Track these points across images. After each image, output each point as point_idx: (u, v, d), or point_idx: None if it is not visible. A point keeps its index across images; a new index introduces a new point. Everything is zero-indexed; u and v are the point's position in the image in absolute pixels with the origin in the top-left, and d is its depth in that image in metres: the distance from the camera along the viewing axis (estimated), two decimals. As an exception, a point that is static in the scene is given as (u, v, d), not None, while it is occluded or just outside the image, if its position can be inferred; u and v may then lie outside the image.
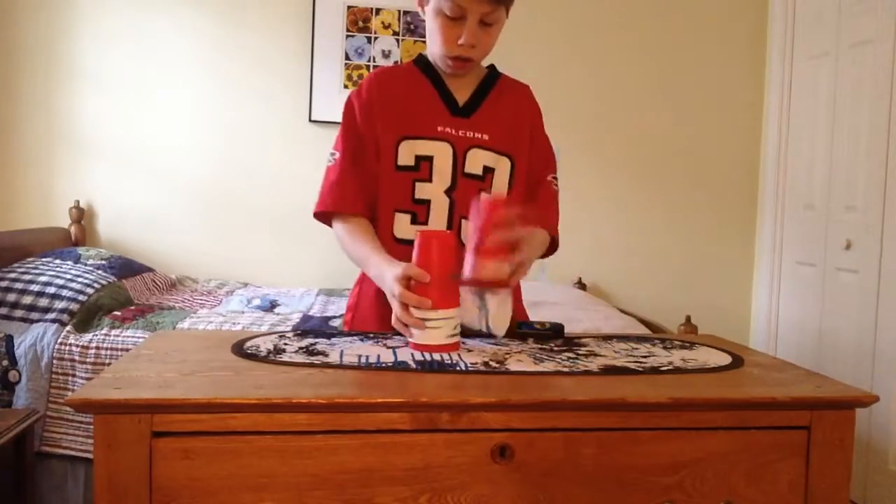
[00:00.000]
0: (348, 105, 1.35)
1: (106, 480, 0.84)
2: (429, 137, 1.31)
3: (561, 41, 3.33)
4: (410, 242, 1.27)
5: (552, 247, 1.39)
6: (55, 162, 3.13)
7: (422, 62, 1.38)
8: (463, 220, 1.30)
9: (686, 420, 0.93)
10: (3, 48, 3.09)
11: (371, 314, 1.34)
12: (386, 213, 1.32)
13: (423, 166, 1.30)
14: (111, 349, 2.18)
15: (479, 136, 1.32)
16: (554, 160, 1.43)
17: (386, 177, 1.31)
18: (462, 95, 1.35)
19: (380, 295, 1.25)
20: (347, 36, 3.19)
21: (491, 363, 1.05)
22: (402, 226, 1.31)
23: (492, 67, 1.41)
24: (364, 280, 1.38)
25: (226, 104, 3.20)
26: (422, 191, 1.30)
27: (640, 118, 3.38)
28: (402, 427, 0.88)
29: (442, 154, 1.30)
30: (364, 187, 1.32)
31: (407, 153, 1.31)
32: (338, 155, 1.33)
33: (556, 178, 1.42)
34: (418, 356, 1.07)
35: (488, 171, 1.33)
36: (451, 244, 1.11)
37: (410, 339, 1.11)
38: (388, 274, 1.14)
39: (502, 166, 1.34)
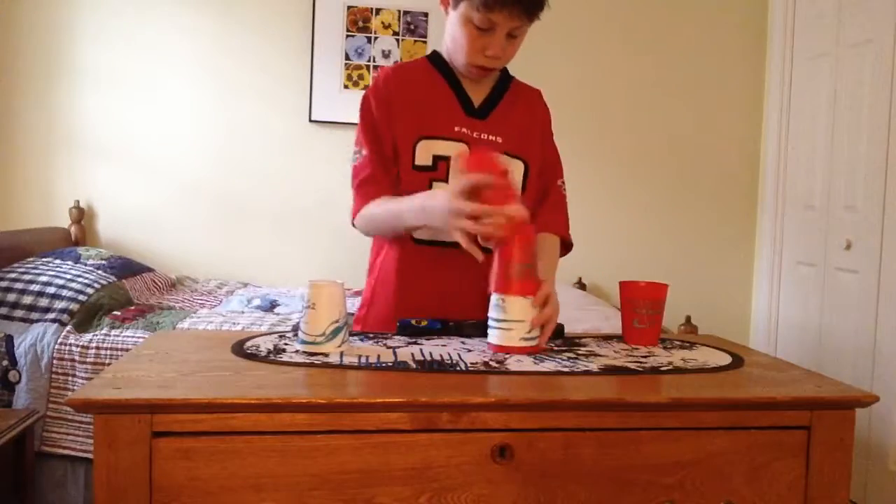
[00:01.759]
0: (365, 101, 1.33)
1: (106, 480, 0.84)
2: (446, 138, 1.30)
3: (560, 41, 3.33)
4: (429, 243, 1.29)
5: (565, 249, 1.40)
6: (55, 162, 3.13)
7: (437, 60, 1.36)
8: None
9: (686, 420, 0.93)
10: (3, 48, 3.09)
11: (387, 310, 1.33)
12: None
13: (441, 166, 1.29)
14: (111, 349, 2.18)
15: (493, 138, 1.32)
16: (561, 165, 1.45)
17: (403, 176, 1.31)
18: (477, 96, 1.35)
19: (395, 289, 1.29)
20: (347, 36, 3.19)
21: (491, 363, 1.05)
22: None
23: (504, 70, 1.41)
24: (378, 275, 1.37)
25: (226, 104, 3.20)
26: (438, 188, 1.30)
27: (640, 118, 3.37)
28: (402, 427, 0.88)
29: None
30: (390, 181, 1.31)
31: (424, 153, 1.30)
32: (364, 151, 1.32)
33: (563, 183, 1.44)
34: (418, 356, 1.07)
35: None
36: (531, 239, 1.12)
37: (489, 342, 1.12)
38: (440, 195, 1.13)
39: (515, 170, 1.33)
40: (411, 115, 1.31)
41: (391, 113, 1.31)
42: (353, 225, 1.35)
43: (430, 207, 1.16)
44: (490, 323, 1.12)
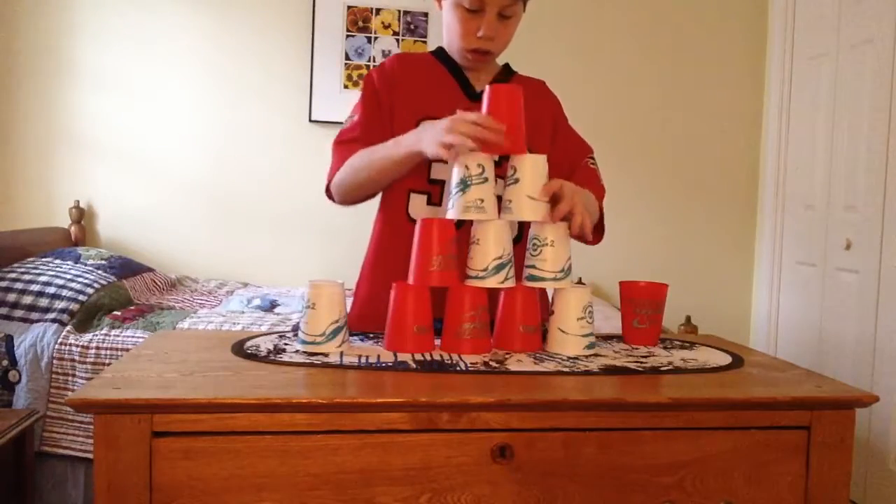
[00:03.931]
0: (368, 77, 1.35)
1: (106, 480, 0.84)
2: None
3: (560, 42, 3.33)
4: None
5: (600, 226, 1.37)
6: (55, 162, 3.13)
7: (440, 53, 1.38)
8: None
9: (686, 420, 0.93)
10: (3, 48, 3.09)
11: (371, 317, 1.32)
12: (400, 193, 1.31)
13: None
14: (111, 349, 2.18)
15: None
16: (588, 145, 1.43)
17: None
18: (480, 84, 1.35)
19: (377, 299, 1.23)
20: (347, 36, 3.19)
21: (491, 363, 1.05)
22: (418, 206, 1.30)
23: (506, 65, 1.42)
24: (361, 287, 1.36)
25: (226, 104, 3.20)
26: (437, 171, 1.30)
27: (640, 118, 3.37)
28: (402, 427, 0.88)
29: None
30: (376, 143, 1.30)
31: None
32: (357, 117, 1.33)
33: (594, 160, 1.42)
34: (418, 356, 1.07)
35: (504, 158, 1.33)
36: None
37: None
38: (438, 123, 1.12)
39: None
40: (414, 99, 1.32)
41: (393, 93, 1.32)
42: (328, 191, 1.33)
43: (429, 124, 1.15)
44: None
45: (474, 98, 1.33)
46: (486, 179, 1.12)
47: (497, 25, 1.27)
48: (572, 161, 1.39)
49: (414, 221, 1.25)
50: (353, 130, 1.32)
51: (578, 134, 1.44)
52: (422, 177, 1.30)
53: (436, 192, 1.30)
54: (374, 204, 1.40)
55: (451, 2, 1.27)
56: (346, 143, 1.31)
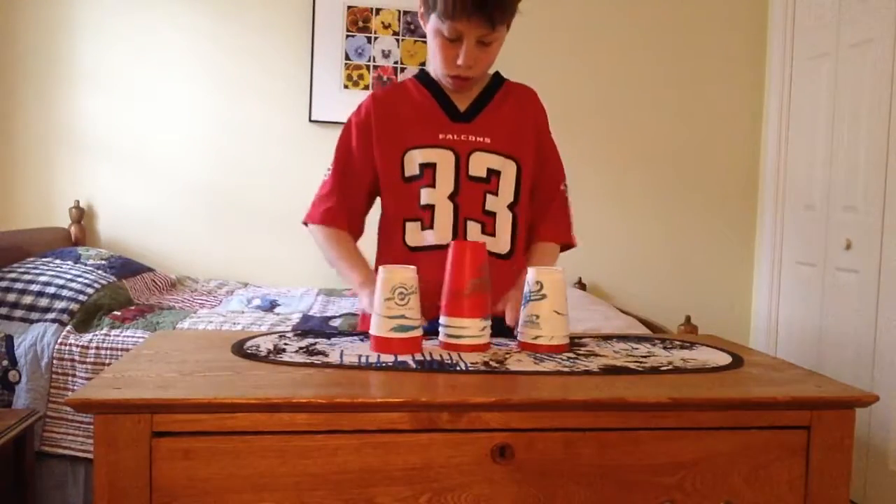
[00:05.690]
0: (346, 125, 1.40)
1: (106, 480, 0.84)
2: (430, 146, 1.33)
3: (560, 41, 3.33)
4: (423, 249, 1.32)
5: (568, 247, 1.46)
6: (55, 162, 3.13)
7: (423, 77, 1.40)
8: (469, 223, 1.33)
9: (686, 420, 0.93)
10: (3, 48, 3.09)
11: None
12: (396, 223, 1.35)
13: (427, 173, 1.33)
14: (111, 349, 2.18)
15: (481, 139, 1.34)
16: (562, 167, 1.47)
17: (394, 189, 1.35)
18: (463, 103, 1.37)
19: None
20: (347, 36, 3.19)
21: (491, 363, 1.05)
22: (413, 234, 1.34)
23: (496, 74, 1.42)
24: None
25: (226, 104, 3.20)
26: (426, 196, 1.33)
27: (640, 118, 3.37)
28: (402, 427, 0.88)
29: (444, 160, 1.33)
30: (348, 204, 1.38)
31: (411, 163, 1.34)
32: (330, 171, 1.40)
33: (566, 186, 1.47)
34: (418, 356, 1.07)
35: (493, 173, 1.34)
36: (482, 255, 1.14)
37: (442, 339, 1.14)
38: (364, 299, 1.26)
39: (508, 169, 1.35)
40: (396, 133, 1.35)
41: (369, 140, 1.36)
42: (304, 224, 1.41)
43: (360, 297, 1.29)
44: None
45: (456, 118, 1.35)
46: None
47: (476, 53, 1.28)
48: (549, 183, 1.44)
49: (412, 249, 1.33)
50: (325, 186, 1.40)
51: (557, 151, 1.46)
52: (414, 205, 1.34)
53: (426, 217, 1.33)
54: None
55: (433, 29, 1.28)
56: (321, 200, 1.39)
